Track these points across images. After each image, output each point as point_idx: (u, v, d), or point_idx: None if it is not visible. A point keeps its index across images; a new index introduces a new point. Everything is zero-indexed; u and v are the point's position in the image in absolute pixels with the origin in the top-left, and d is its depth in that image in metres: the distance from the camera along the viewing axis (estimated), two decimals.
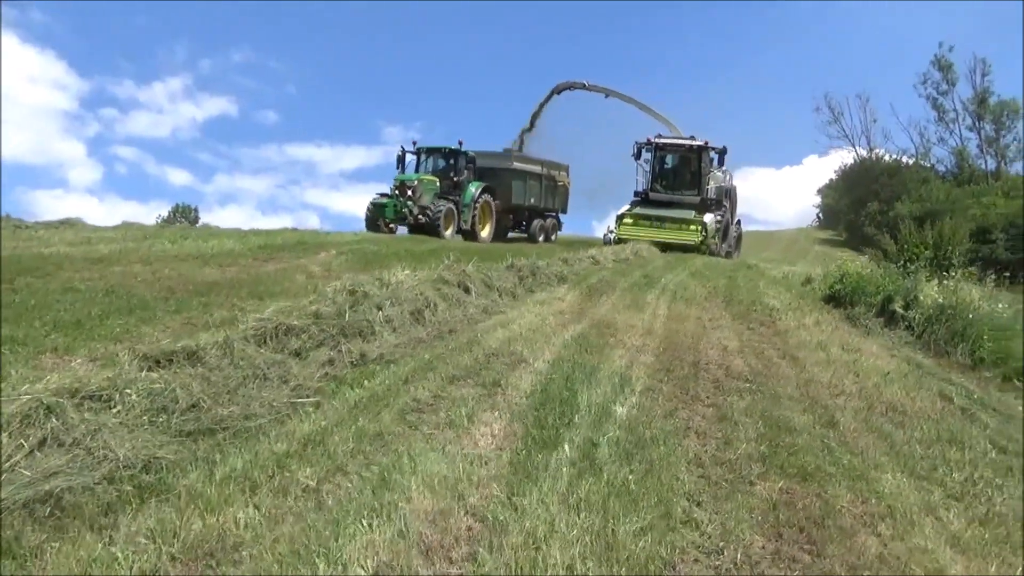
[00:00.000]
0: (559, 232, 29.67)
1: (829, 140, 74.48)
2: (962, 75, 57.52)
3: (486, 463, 4.06)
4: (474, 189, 22.84)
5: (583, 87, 29.98)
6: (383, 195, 21.73)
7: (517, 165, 25.85)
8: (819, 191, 73.58)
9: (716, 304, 12.25)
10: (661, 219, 22.13)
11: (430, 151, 23.47)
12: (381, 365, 5.78)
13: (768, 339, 9.29)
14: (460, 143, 22.87)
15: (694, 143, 23.41)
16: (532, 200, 26.97)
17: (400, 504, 3.41)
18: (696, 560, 3.25)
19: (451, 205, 21.44)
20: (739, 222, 27.41)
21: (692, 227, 21.77)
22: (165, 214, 41.02)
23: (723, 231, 23.13)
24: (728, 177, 24.95)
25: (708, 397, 6.03)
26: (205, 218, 40.96)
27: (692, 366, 7.14)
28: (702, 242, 21.17)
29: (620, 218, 22.77)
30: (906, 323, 10.84)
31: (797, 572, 3.27)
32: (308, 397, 4.76)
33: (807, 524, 3.72)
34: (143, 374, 4.25)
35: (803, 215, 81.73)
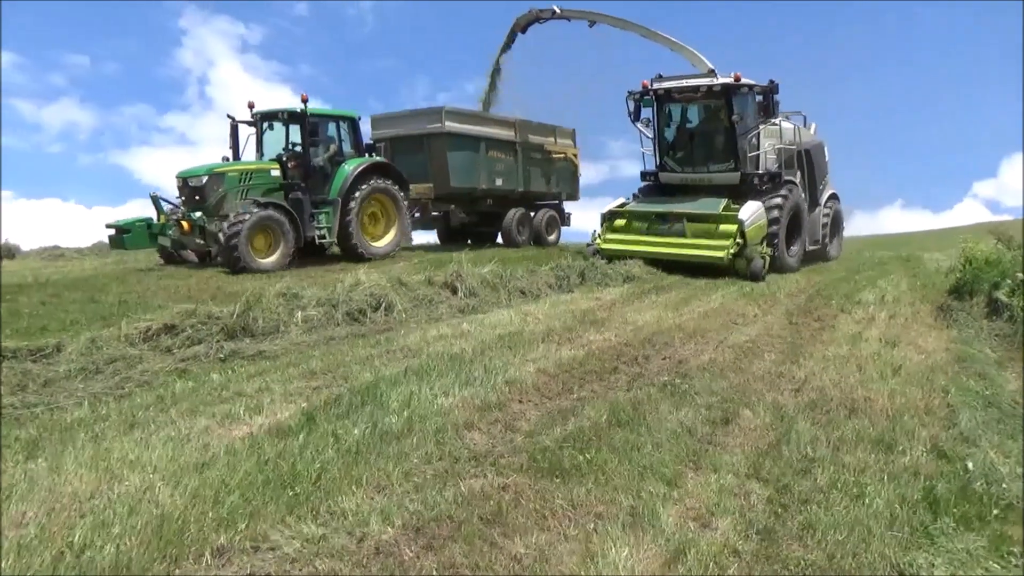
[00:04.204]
0: (563, 228, 20.09)
1: None
2: None
3: (208, 451, 3.94)
4: (350, 170, 13.74)
5: (553, 15, 19.35)
6: (173, 207, 13.19)
7: (452, 126, 16.32)
8: None
9: (795, 300, 10.95)
10: (670, 217, 13.71)
11: (268, 118, 14.11)
12: (252, 361, 5.84)
13: (797, 335, 8.14)
14: (304, 100, 13.34)
15: (715, 81, 13.99)
16: (498, 181, 17.73)
17: (53, 485, 3.41)
18: (291, 561, 2.92)
19: (269, 212, 12.37)
20: (834, 197, 17.43)
21: (723, 228, 13.02)
22: None
23: (787, 223, 14.15)
24: (796, 131, 15.50)
25: (592, 391, 5.39)
26: None
27: (631, 361, 6.43)
28: (736, 255, 12.76)
29: (608, 218, 14.67)
30: (1008, 313, 8.89)
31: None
32: (123, 390, 4.94)
33: (475, 519, 3.20)
34: None
35: None
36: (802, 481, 3.97)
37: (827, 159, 17.19)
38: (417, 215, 16.84)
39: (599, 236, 14.52)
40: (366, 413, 4.50)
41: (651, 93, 14.64)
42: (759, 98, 14.03)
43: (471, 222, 18.60)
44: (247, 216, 11.92)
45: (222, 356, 5.82)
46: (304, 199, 13.28)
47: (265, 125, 14.13)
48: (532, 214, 18.98)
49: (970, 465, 4.25)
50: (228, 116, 14.08)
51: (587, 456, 4.00)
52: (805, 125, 16.67)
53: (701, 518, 3.45)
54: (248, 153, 14.14)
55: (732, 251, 12.63)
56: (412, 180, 15.68)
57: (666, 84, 14.64)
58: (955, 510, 3.61)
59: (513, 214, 18.01)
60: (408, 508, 3.31)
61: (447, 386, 5.11)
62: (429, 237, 20.12)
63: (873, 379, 6.14)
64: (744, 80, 13.81)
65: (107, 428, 4.30)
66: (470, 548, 2.96)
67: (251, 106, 14.06)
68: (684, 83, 14.45)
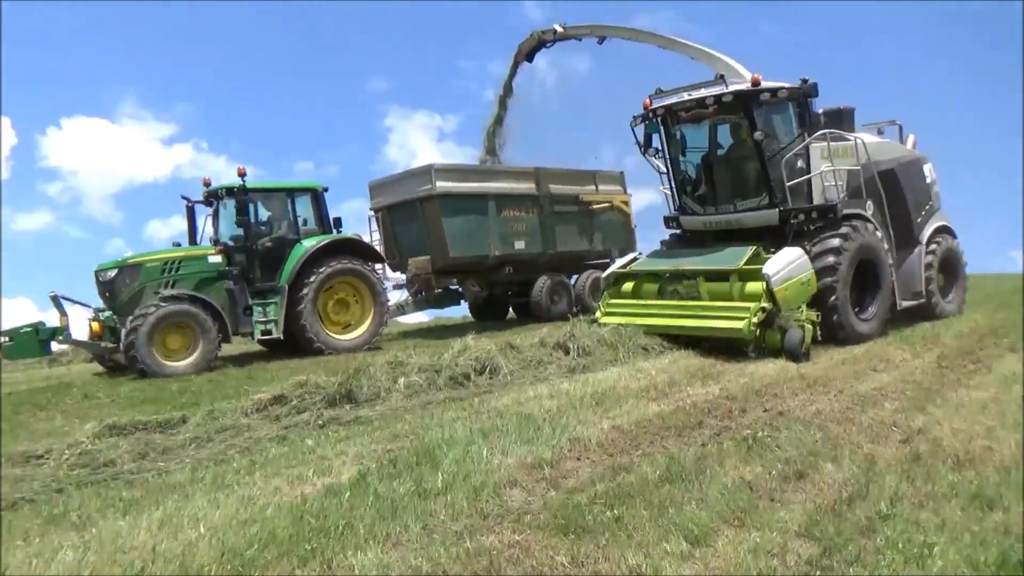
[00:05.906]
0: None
1: None
2: None
3: (266, 509, 4.30)
4: (305, 249, 12.05)
5: (555, 35, 16.01)
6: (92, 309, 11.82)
7: (445, 186, 13.87)
8: None
9: (962, 341, 9.83)
10: (681, 276, 10.28)
11: (214, 196, 12.46)
12: (347, 426, 6.25)
13: (938, 380, 7.32)
14: (242, 174, 11.75)
15: (725, 90, 10.35)
16: (518, 244, 14.98)
17: (124, 539, 3.92)
18: None
19: (180, 306, 10.84)
20: (944, 231, 12.56)
21: (749, 289, 9.54)
22: None
23: (854, 273, 10.13)
24: (859, 147, 11.03)
25: (663, 447, 5.21)
26: None
27: (724, 414, 6.13)
28: (764, 324, 9.07)
29: (612, 282, 11.50)
30: None
31: None
32: (226, 456, 5.51)
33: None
34: (89, 439, 5.54)
35: None
36: (860, 541, 3.59)
37: (930, 180, 12.68)
38: (421, 294, 15.03)
39: (599, 306, 11.51)
40: (416, 472, 4.69)
41: (653, 114, 11.21)
42: (787, 103, 10.49)
43: (496, 294, 16.06)
44: (148, 313, 10.39)
45: (321, 423, 6.30)
46: (236, 288, 11.71)
47: (219, 204, 12.49)
48: (575, 278, 16.09)
49: None
50: (182, 197, 12.64)
51: (615, 512, 3.89)
52: (901, 139, 13.20)
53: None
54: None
55: (756, 319, 9.00)
56: (414, 252, 14.25)
57: (667, 100, 11.18)
58: None
59: (543, 282, 15.24)
60: (411, 562, 3.41)
61: (507, 445, 5.18)
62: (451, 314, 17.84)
63: (1007, 427, 5.40)
64: (765, 84, 10.19)
65: (197, 490, 4.81)
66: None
67: (207, 184, 12.54)
68: (686, 96, 10.95)
